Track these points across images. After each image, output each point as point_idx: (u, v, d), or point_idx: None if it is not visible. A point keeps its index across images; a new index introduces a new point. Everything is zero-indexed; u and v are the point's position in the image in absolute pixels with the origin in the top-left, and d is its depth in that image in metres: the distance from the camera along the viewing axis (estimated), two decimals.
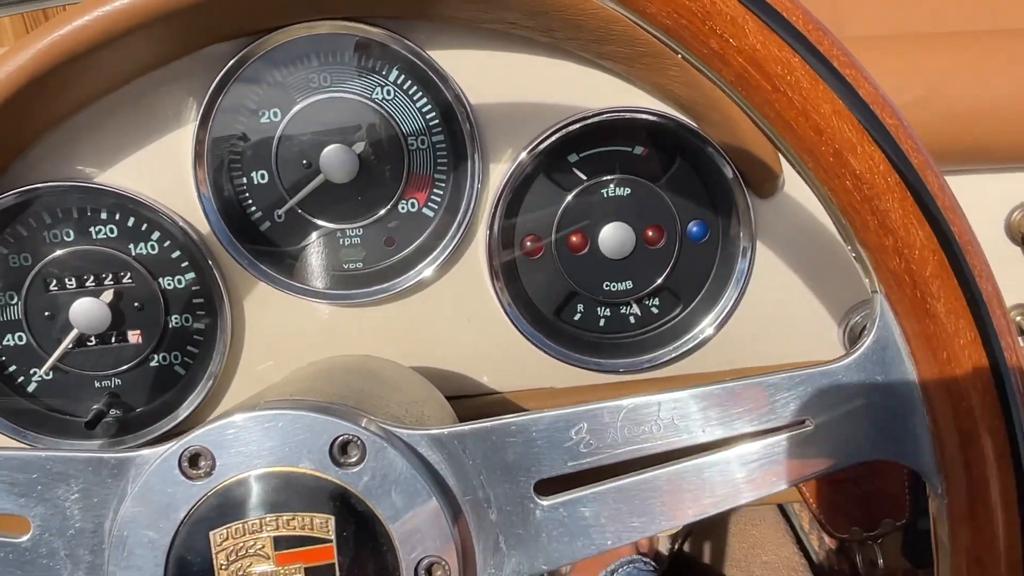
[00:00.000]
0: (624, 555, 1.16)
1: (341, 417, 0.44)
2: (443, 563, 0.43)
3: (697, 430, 0.43)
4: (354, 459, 0.43)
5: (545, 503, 0.44)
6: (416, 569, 0.43)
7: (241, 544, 0.43)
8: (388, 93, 0.70)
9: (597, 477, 0.45)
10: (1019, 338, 0.79)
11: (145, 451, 0.43)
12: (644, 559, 1.16)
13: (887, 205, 0.38)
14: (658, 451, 0.43)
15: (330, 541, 0.43)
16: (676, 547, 1.39)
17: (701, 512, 0.43)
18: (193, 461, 0.43)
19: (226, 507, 0.43)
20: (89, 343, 0.71)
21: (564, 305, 0.76)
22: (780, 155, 0.64)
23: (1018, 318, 0.77)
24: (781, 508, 1.51)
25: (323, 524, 0.43)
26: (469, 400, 0.75)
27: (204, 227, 0.69)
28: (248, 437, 0.43)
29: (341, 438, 0.43)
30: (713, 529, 1.49)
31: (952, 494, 0.40)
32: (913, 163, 0.37)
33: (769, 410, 0.42)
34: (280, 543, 0.43)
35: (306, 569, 0.43)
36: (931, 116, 0.68)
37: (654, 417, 0.43)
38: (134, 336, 0.72)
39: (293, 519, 0.43)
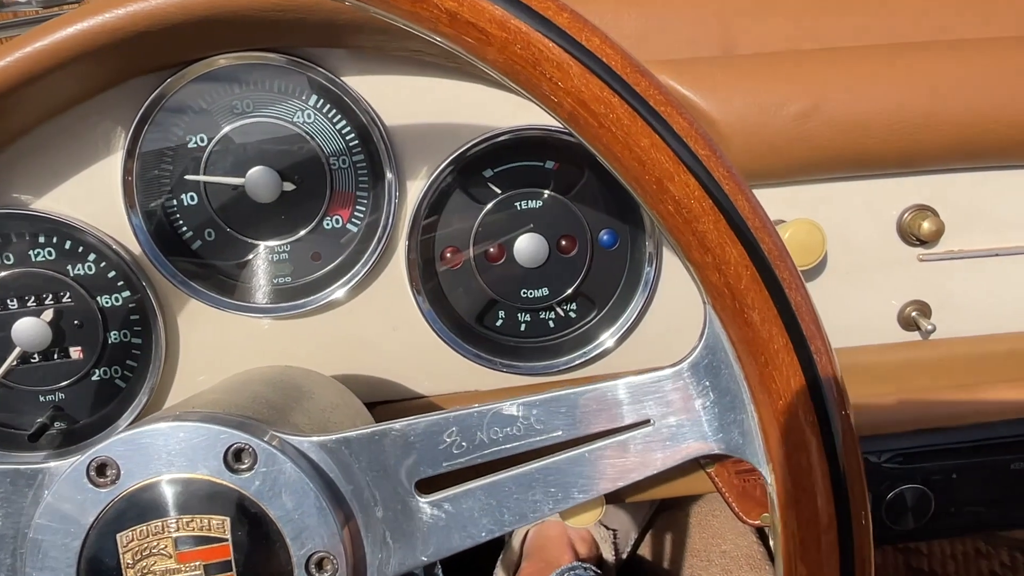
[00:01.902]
0: (565, 563, 1.18)
1: (234, 427, 0.48)
2: (331, 557, 0.48)
3: (555, 431, 0.47)
4: (246, 465, 0.48)
5: (425, 500, 0.49)
6: (307, 563, 0.48)
7: (145, 545, 0.47)
8: (309, 116, 0.74)
9: (487, 474, 0.50)
10: (918, 332, 0.84)
11: (53, 463, 0.48)
12: (584, 565, 1.17)
13: (704, 227, 0.42)
14: (523, 450, 0.48)
15: (226, 540, 0.47)
16: (631, 550, 1.42)
17: (558, 505, 0.47)
18: (100, 470, 0.47)
19: (131, 511, 0.47)
20: (33, 360, 0.75)
21: (485, 312, 0.81)
22: None
23: (914, 313, 0.81)
24: None
25: (220, 525, 0.47)
26: (396, 404, 0.80)
27: (136, 248, 0.73)
28: (151, 447, 0.48)
29: (235, 446, 0.48)
30: (674, 520, 1.52)
31: (779, 482, 0.45)
32: (725, 189, 0.42)
33: (617, 411, 0.46)
34: (181, 543, 0.47)
35: (205, 566, 0.47)
36: (818, 127, 0.73)
37: (517, 420, 0.47)
38: (76, 352, 0.76)
39: (192, 521, 0.47)
